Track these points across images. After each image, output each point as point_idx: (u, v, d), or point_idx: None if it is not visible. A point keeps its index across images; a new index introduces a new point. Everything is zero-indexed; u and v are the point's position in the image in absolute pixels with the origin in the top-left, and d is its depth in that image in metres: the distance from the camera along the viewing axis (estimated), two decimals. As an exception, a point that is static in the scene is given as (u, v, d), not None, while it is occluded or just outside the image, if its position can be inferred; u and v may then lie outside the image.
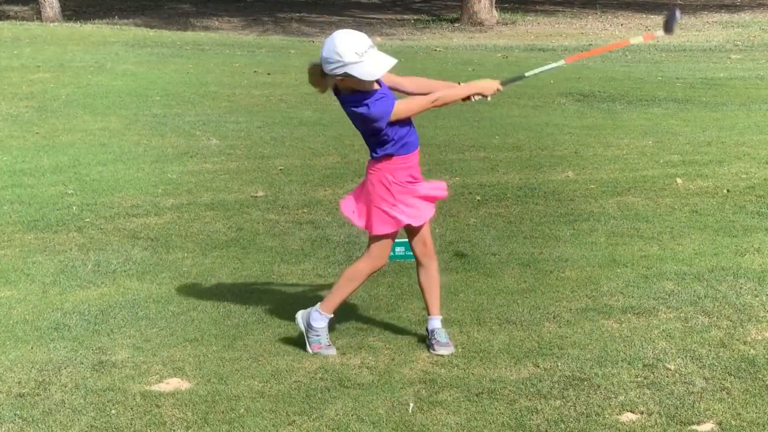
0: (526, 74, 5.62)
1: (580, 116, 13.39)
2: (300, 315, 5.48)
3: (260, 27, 30.80)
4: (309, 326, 5.39)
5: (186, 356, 5.39)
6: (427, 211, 5.32)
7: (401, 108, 5.13)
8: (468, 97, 5.35)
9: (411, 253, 5.50)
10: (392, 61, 5.04)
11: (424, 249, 5.40)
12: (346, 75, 4.99)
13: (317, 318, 5.39)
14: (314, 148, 11.11)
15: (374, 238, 5.32)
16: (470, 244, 7.49)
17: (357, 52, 4.95)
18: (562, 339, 5.51)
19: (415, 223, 5.29)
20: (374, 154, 5.24)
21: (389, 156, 5.21)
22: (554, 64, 5.70)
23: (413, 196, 5.28)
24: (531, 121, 12.79)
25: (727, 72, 18.45)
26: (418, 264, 5.45)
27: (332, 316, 5.44)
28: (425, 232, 5.40)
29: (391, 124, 5.12)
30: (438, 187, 5.43)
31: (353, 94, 5.09)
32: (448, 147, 10.92)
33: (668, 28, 5.63)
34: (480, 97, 5.34)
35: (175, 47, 21.08)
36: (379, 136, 5.17)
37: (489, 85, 5.35)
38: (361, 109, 5.06)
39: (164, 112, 13.34)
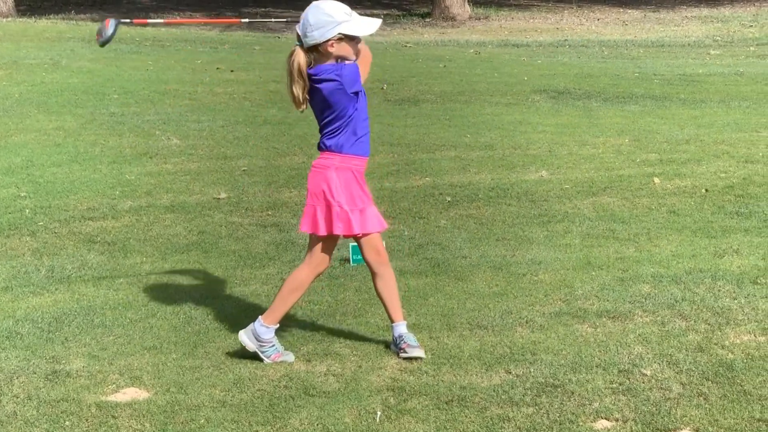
0: None
1: (555, 114, 13.46)
2: (244, 335, 5.42)
3: (223, 22, 30.72)
4: (260, 340, 5.37)
5: (144, 365, 5.36)
6: (350, 228, 5.30)
7: (365, 71, 5.26)
8: None
9: None
10: (379, 21, 5.30)
11: (377, 258, 5.41)
12: (340, 36, 5.14)
13: (264, 331, 5.37)
14: (279, 147, 11.11)
15: (313, 242, 5.34)
16: (440, 246, 7.51)
17: (345, 12, 5.18)
18: (535, 344, 5.53)
19: (337, 232, 5.27)
20: (324, 145, 5.28)
21: (340, 150, 5.25)
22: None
23: (357, 208, 5.28)
24: (503, 119, 12.84)
25: (706, 68, 18.61)
26: (373, 273, 5.46)
27: (278, 325, 5.44)
28: (377, 240, 5.41)
29: (356, 108, 5.20)
30: (362, 223, 5.34)
31: (325, 66, 5.17)
32: (418, 146, 10.95)
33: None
34: None
35: (134, 43, 21.00)
36: (342, 120, 5.21)
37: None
38: (334, 76, 5.14)
39: (122, 110, 13.29)
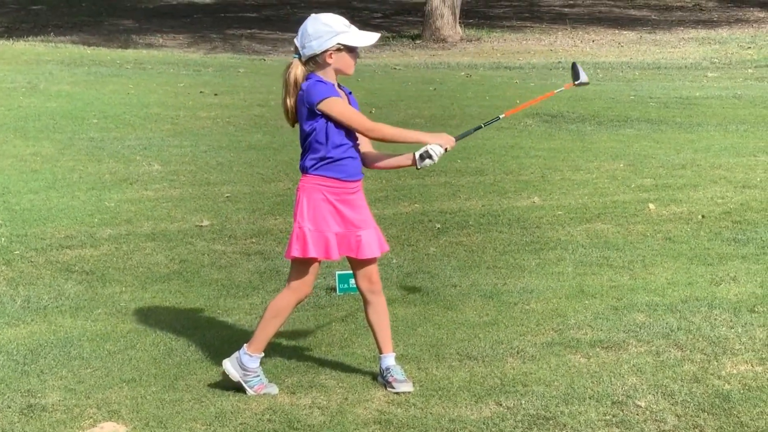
0: (483, 125, 5.74)
1: (548, 138, 13.52)
2: (228, 363, 5.44)
3: (208, 44, 30.83)
4: (244, 370, 5.38)
5: (122, 398, 5.36)
6: (334, 252, 5.32)
7: (342, 108, 5.21)
8: (415, 161, 5.42)
9: None
10: (377, 35, 5.38)
11: (369, 286, 5.44)
12: (339, 47, 5.22)
13: (249, 360, 5.38)
14: (264, 173, 11.13)
15: (294, 267, 5.36)
16: (429, 275, 7.53)
17: (344, 23, 5.28)
18: (527, 375, 5.54)
19: (319, 257, 5.30)
20: (304, 164, 5.31)
21: (305, 171, 5.30)
22: (496, 119, 5.81)
23: (326, 231, 5.29)
24: (495, 144, 12.88)
25: (703, 91, 18.71)
26: (365, 301, 5.49)
27: (263, 354, 5.45)
28: (371, 268, 5.43)
29: (329, 131, 5.20)
30: (363, 245, 5.37)
31: (312, 76, 5.24)
32: (407, 171, 10.97)
33: (577, 77, 5.80)
34: (429, 160, 5.39)
35: (114, 66, 21.05)
36: (312, 136, 5.23)
37: (445, 135, 5.46)
38: (304, 86, 5.22)
39: (102, 135, 13.31)
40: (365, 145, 5.44)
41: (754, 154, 12.05)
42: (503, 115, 5.80)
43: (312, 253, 5.26)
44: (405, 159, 5.45)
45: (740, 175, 10.71)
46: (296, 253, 5.28)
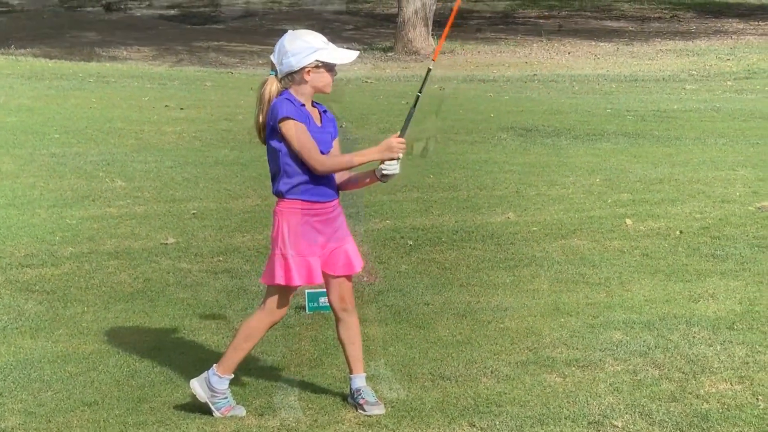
0: (413, 109, 5.54)
1: (522, 152, 13.58)
2: (196, 383, 5.43)
3: (173, 57, 30.78)
4: (213, 390, 5.37)
5: (84, 422, 5.34)
6: (317, 276, 5.34)
7: (298, 135, 5.17)
8: (378, 176, 5.33)
9: None
10: (356, 53, 5.42)
11: (342, 304, 5.45)
12: (317, 63, 5.21)
13: (218, 381, 5.38)
14: (231, 189, 11.12)
15: (271, 290, 5.36)
16: (401, 293, 7.53)
17: (323, 40, 5.28)
18: (501, 395, 5.56)
19: (303, 284, 5.30)
20: (279, 189, 5.30)
21: (294, 196, 5.27)
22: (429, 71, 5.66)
23: (308, 256, 5.29)
24: (468, 158, 12.93)
25: (681, 103, 18.85)
26: (337, 319, 5.50)
27: (232, 376, 5.44)
28: (346, 285, 5.44)
29: (277, 149, 5.23)
30: (342, 264, 5.41)
31: (285, 93, 5.23)
32: (378, 187, 10.93)
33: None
34: (389, 169, 5.27)
35: (77, 79, 20.99)
36: (281, 159, 5.23)
37: (389, 144, 5.28)
38: (275, 100, 5.22)
39: (63, 151, 13.26)
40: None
41: (733, 168, 12.14)
42: (432, 62, 5.69)
43: (296, 281, 5.27)
44: (371, 177, 5.40)
45: (719, 189, 10.79)
46: (280, 280, 5.27)
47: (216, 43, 33.46)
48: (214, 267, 8.30)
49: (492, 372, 5.89)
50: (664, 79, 24.47)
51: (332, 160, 5.28)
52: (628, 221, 9.40)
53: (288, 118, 5.16)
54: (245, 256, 8.56)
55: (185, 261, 8.46)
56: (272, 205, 5.43)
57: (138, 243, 9.01)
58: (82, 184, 11.38)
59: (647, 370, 5.89)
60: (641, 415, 5.29)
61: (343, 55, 5.30)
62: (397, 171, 5.30)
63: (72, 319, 7.08)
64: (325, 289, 5.57)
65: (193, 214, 10.02)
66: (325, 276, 5.42)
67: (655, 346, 6.24)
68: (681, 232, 9.05)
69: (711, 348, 6.21)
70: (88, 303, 7.42)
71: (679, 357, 6.07)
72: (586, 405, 5.41)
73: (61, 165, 12.36)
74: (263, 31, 36.28)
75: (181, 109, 17.16)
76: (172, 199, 10.70)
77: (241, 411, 5.40)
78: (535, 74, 25.90)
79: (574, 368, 5.93)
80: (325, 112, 5.39)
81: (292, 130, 5.17)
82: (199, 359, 6.14)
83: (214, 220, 9.76)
